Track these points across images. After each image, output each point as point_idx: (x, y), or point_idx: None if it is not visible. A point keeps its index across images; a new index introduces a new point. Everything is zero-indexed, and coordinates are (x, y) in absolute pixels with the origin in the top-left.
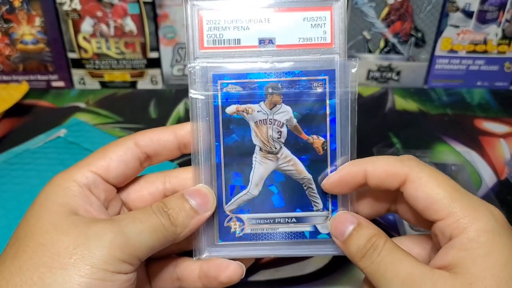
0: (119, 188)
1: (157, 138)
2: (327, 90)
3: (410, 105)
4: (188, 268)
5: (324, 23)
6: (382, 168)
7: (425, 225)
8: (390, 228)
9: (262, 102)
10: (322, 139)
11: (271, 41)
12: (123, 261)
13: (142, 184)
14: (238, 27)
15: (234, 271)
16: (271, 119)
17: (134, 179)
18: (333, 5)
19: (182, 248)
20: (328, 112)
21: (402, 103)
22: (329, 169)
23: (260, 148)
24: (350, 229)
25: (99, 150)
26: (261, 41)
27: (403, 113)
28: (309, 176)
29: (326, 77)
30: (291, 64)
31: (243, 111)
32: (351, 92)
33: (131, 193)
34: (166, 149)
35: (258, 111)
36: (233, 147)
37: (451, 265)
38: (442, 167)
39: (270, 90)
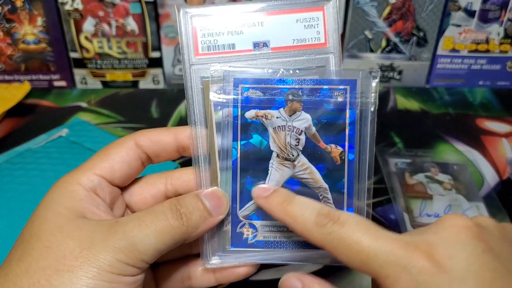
0: (122, 190)
1: (157, 140)
2: (348, 100)
3: (412, 104)
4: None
5: (317, 24)
6: None
7: None
8: (392, 227)
9: (282, 108)
10: (340, 149)
11: (265, 44)
12: (128, 264)
13: (144, 187)
14: (232, 32)
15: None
16: (290, 126)
17: (136, 181)
18: (325, 5)
19: (193, 251)
20: (347, 122)
21: (404, 103)
22: (345, 181)
23: (277, 155)
24: None
25: (101, 151)
26: (256, 45)
27: (405, 112)
28: (325, 185)
29: (348, 87)
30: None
31: (262, 116)
32: (372, 103)
33: (133, 195)
34: (165, 151)
35: (277, 117)
36: (250, 152)
37: None
38: (444, 167)
39: (290, 97)
